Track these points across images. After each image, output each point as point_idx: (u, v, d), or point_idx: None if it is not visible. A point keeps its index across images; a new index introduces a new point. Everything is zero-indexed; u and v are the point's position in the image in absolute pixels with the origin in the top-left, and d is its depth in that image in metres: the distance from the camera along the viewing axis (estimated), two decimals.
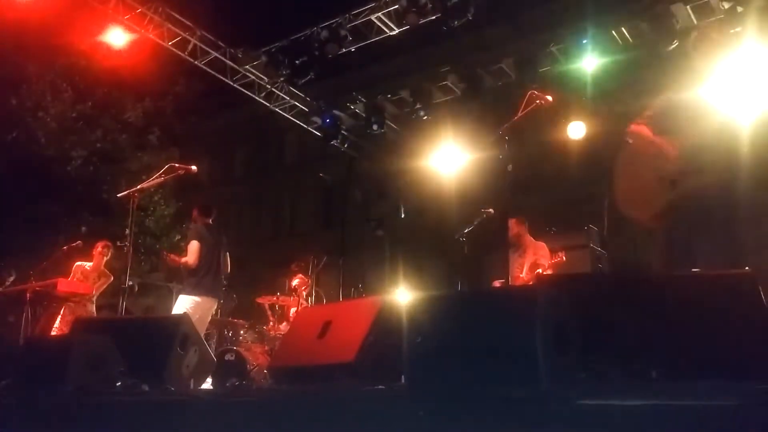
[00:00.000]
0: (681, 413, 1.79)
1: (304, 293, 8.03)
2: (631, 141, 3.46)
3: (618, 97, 7.89)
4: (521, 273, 6.57)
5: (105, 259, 7.45)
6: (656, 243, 3.35)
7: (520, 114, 4.04)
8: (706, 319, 2.16)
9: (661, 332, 2.16)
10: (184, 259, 6.23)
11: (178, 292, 6.61)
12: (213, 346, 6.86)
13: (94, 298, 7.35)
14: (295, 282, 8.06)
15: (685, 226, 3.20)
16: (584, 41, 7.99)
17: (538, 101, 4.07)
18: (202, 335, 5.73)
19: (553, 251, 6.60)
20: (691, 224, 3.18)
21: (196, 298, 6.15)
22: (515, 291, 3.51)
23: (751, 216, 3.21)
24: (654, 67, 7.61)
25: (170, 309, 6.93)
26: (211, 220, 6.61)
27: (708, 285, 2.27)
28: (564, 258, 6.49)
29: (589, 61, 8.03)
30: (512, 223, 6.70)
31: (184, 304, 6.14)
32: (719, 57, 3.43)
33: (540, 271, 6.48)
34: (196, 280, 6.18)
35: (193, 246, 6.21)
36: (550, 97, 4.05)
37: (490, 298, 2.47)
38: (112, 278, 7.38)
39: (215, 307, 6.56)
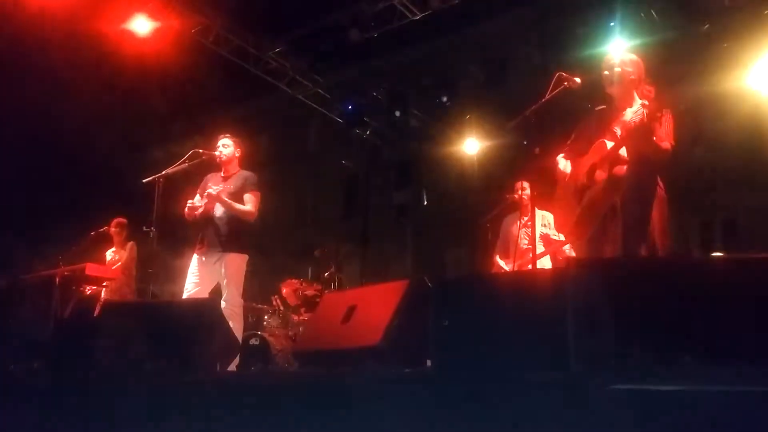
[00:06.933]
0: (716, 399, 1.75)
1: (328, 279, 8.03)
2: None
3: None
4: (526, 241, 6.09)
5: (121, 238, 7.51)
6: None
7: (547, 96, 3.94)
8: (743, 304, 2.10)
9: (697, 317, 2.10)
10: (245, 208, 5.29)
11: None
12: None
13: (131, 279, 7.43)
14: (327, 273, 7.99)
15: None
16: (611, 24, 7.83)
17: (565, 83, 3.96)
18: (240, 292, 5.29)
19: None
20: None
21: (246, 257, 5.35)
22: (545, 273, 3.45)
23: None
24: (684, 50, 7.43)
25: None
26: None
27: (746, 269, 2.20)
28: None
29: (616, 45, 7.85)
30: (528, 185, 6.26)
31: (240, 264, 5.25)
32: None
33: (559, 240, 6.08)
34: (249, 235, 5.37)
35: (257, 196, 5.42)
36: (578, 79, 3.94)
37: (518, 280, 2.43)
38: (134, 246, 7.40)
39: None
